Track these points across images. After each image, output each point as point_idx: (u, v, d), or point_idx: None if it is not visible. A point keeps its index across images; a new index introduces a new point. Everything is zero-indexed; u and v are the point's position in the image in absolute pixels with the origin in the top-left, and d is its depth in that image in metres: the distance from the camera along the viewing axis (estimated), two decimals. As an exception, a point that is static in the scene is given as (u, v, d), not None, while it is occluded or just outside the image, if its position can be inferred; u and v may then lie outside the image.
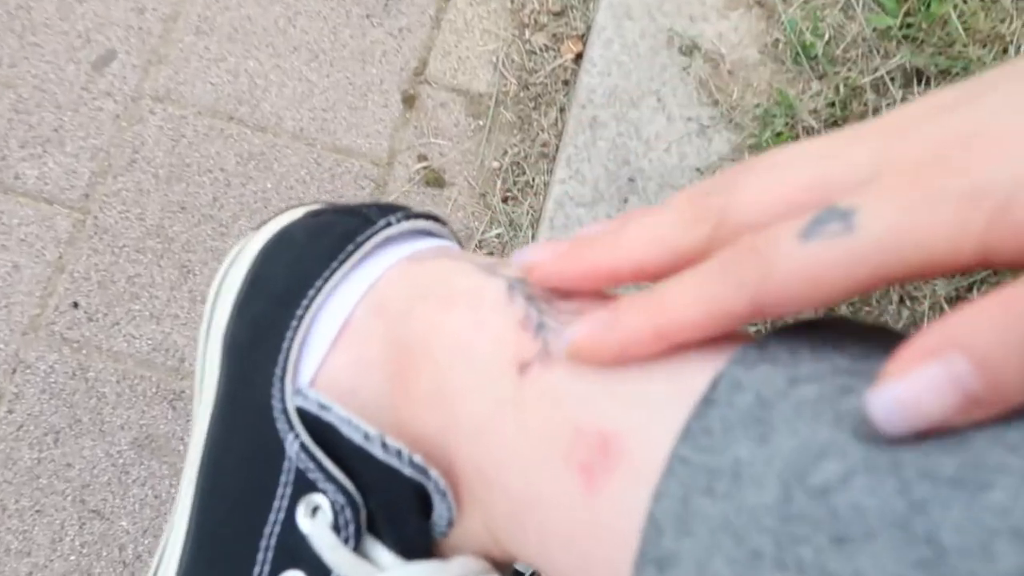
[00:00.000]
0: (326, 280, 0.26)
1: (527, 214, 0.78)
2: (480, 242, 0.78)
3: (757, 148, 0.76)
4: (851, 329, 0.19)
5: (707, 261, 0.19)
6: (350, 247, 0.27)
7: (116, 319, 0.73)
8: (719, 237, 0.19)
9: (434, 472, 0.23)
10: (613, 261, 0.20)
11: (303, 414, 0.24)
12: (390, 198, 0.78)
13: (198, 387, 0.29)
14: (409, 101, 0.81)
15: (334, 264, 0.26)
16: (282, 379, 0.25)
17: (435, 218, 0.29)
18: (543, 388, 0.21)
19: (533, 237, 0.77)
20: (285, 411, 0.24)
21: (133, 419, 0.70)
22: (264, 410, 0.25)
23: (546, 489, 0.20)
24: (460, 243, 0.30)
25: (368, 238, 0.27)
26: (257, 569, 0.24)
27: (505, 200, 0.79)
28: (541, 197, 0.78)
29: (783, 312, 0.18)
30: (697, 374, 0.19)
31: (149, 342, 0.72)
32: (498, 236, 0.78)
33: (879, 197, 0.17)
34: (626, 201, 0.75)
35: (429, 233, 0.29)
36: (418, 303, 0.25)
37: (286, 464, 0.24)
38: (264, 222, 0.31)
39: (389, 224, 0.27)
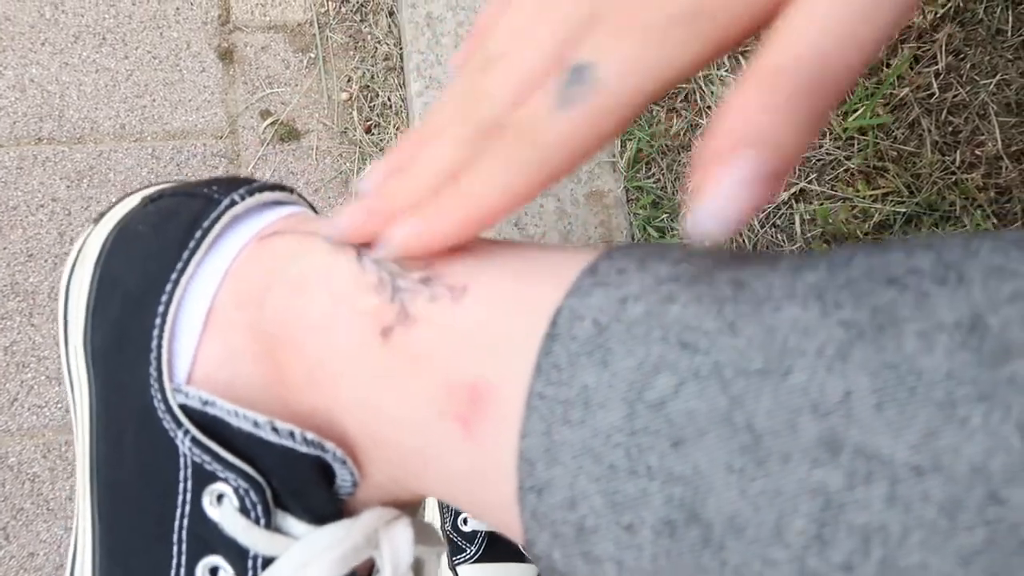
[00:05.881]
0: (181, 272, 0.26)
1: (396, 137, 0.73)
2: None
3: None
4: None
5: (489, 156, 0.21)
6: (198, 233, 0.27)
7: (13, 396, 0.67)
8: (492, 135, 0.21)
9: (330, 444, 0.24)
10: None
11: (188, 410, 0.25)
12: (248, 168, 0.72)
13: (71, 398, 0.29)
14: (227, 55, 0.73)
15: (185, 254, 0.26)
16: (159, 380, 0.25)
17: (281, 187, 0.29)
18: (409, 352, 0.22)
19: (410, 160, 0.73)
20: (170, 410, 0.25)
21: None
22: (147, 412, 0.25)
23: (435, 443, 0.22)
24: (312, 207, 0.31)
25: (215, 221, 0.27)
26: (175, 561, 0.25)
27: (368, 131, 0.74)
28: (404, 115, 0.74)
29: (564, 174, 0.21)
30: (547, 311, 0.20)
31: (59, 405, 0.67)
32: (374, 169, 0.74)
33: (607, 42, 0.19)
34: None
35: (278, 203, 0.29)
36: (273, 289, 0.25)
37: (182, 460, 0.25)
38: (100, 215, 0.31)
39: (234, 203, 0.27)
